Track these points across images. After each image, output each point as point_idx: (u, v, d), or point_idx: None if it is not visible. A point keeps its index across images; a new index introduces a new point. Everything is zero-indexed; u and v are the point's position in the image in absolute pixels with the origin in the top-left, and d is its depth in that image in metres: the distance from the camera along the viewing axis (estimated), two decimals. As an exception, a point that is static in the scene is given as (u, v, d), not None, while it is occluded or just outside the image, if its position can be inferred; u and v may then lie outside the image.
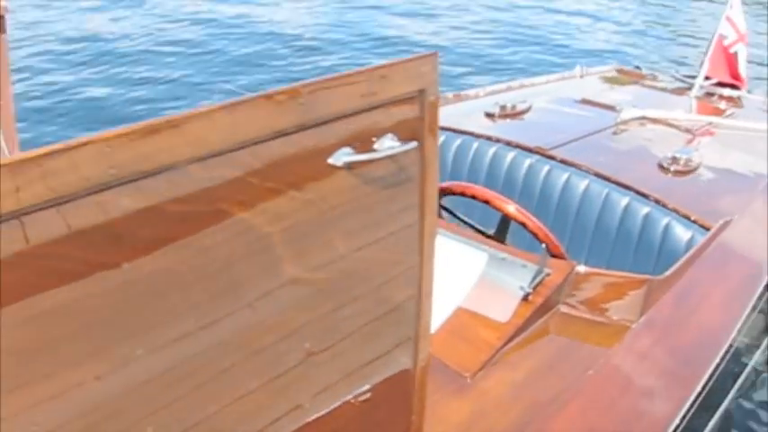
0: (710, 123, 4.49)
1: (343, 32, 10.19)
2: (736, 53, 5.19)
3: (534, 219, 2.84)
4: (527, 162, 3.73)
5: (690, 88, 5.13)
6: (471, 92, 4.68)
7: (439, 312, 2.43)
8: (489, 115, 4.24)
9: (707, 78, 5.21)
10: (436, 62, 1.56)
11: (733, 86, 5.25)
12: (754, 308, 2.89)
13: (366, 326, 1.66)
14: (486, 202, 2.91)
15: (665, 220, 3.35)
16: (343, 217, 1.47)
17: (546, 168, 3.67)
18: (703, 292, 2.84)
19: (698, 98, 5.08)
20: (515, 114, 4.29)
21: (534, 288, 2.47)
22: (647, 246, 3.38)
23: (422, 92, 1.54)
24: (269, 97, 1.28)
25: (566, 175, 3.61)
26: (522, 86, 5.02)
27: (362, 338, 1.67)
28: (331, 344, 1.58)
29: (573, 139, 3.97)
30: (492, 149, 3.84)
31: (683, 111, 4.54)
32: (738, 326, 2.73)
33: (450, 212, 3.24)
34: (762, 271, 3.11)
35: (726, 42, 5.17)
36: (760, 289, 2.99)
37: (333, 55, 9.26)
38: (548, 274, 2.52)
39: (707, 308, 2.76)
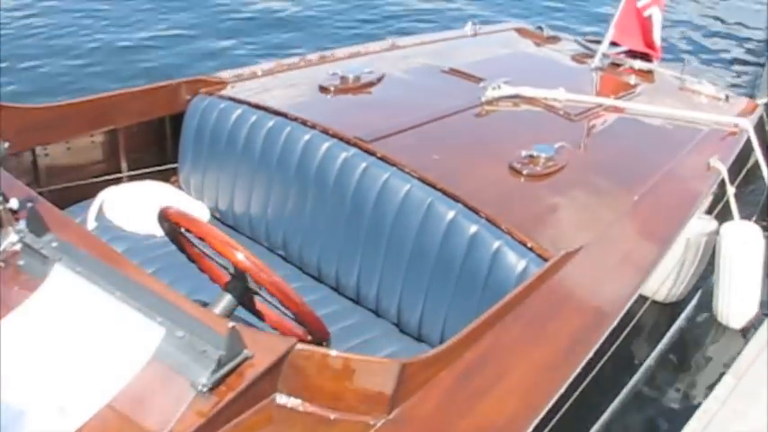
0: (600, 105, 3.70)
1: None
2: (650, 17, 4.37)
3: (265, 268, 2.06)
4: (342, 156, 2.96)
5: (593, 56, 4.34)
6: (314, 56, 3.88)
7: (78, 413, 1.70)
8: (324, 89, 3.44)
9: (614, 45, 4.42)
10: None
11: (645, 57, 4.45)
12: (571, 390, 2.17)
13: None
14: (202, 238, 2.14)
15: (495, 245, 2.61)
16: None
17: (363, 165, 2.91)
18: (498, 368, 2.11)
19: (600, 69, 4.29)
20: (358, 88, 3.49)
21: (219, 380, 1.73)
22: (472, 276, 2.64)
23: None
24: None
25: (385, 176, 2.85)
26: (391, 48, 4.22)
27: None
28: None
29: (416, 125, 3.19)
30: (305, 137, 3.06)
31: (568, 87, 3.69)
32: (539, 419, 2.01)
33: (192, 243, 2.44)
34: (599, 329, 2.38)
35: (639, 3, 4.36)
36: (587, 358, 2.26)
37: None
38: (246, 358, 1.78)
39: (496, 396, 2.03)
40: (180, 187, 3.52)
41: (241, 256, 2.03)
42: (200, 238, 2.10)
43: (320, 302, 2.96)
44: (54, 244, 2.03)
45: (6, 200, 2.01)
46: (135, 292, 1.87)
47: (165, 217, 2.21)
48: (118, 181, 3.47)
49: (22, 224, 2.03)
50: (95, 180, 3.39)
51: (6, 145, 2.01)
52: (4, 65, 6.55)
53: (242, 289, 2.19)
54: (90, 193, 3.30)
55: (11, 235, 2.02)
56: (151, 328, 1.80)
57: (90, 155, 3.41)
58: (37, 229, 2.04)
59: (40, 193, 3.26)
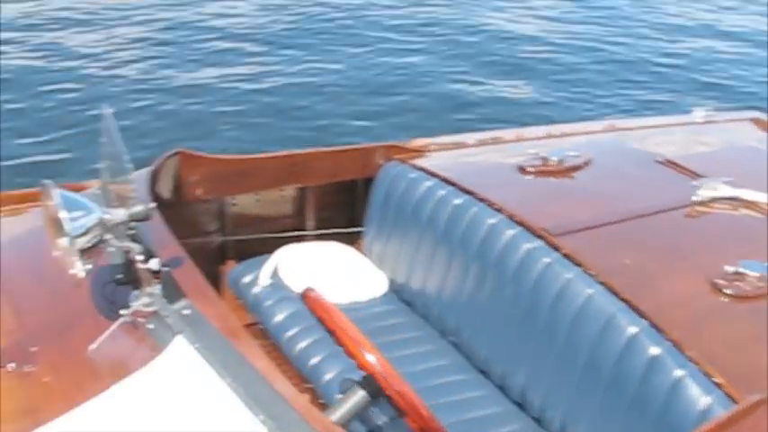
0: None
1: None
2: None
3: (393, 374, 1.88)
4: (525, 247, 2.74)
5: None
6: (524, 131, 3.69)
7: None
8: (523, 170, 3.24)
9: None
10: None
11: None
12: None
13: None
14: (333, 332, 2.00)
15: (677, 373, 2.29)
16: None
17: (545, 261, 2.67)
18: None
19: None
20: (559, 172, 3.25)
21: None
22: (648, 403, 2.33)
23: None
24: None
25: (567, 276, 2.60)
26: (608, 129, 3.95)
27: None
28: None
29: (613, 221, 2.91)
30: (490, 220, 2.87)
31: None
32: None
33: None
34: None
35: None
36: None
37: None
38: None
39: None
40: (364, 253, 3.44)
41: (371, 359, 1.87)
42: (331, 332, 1.97)
43: (481, 402, 2.75)
44: (186, 311, 1.98)
45: (147, 259, 1.97)
46: (247, 381, 1.77)
47: (304, 299, 2.10)
48: (302, 238, 3.44)
49: (157, 287, 2.00)
50: (280, 235, 3.38)
51: (154, 205, 1.99)
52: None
53: (377, 388, 2.03)
54: (273, 246, 3.29)
55: (143, 297, 1.99)
56: (253, 425, 1.68)
57: (278, 209, 3.42)
58: (171, 294, 2.00)
59: (225, 242, 3.32)
